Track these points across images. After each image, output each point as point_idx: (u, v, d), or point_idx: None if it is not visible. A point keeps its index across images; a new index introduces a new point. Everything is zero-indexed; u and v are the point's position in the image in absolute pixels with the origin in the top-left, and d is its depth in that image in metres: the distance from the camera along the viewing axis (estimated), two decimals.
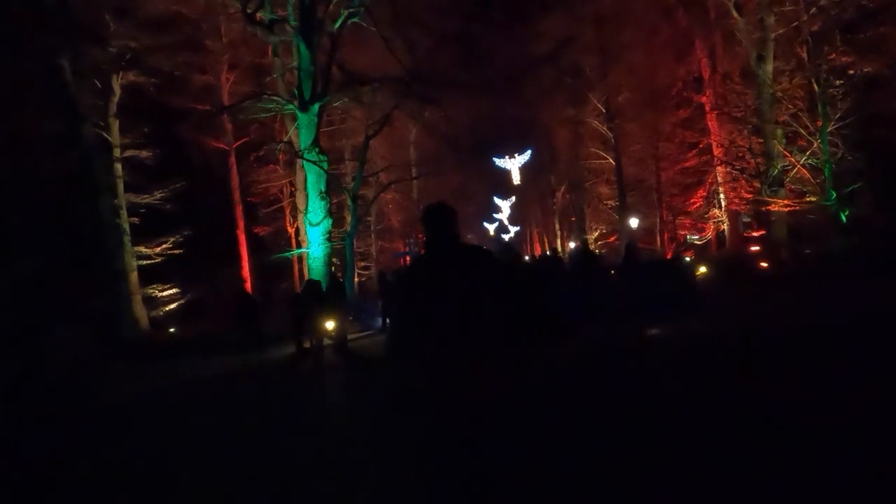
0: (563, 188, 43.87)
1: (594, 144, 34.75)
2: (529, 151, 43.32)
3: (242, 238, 27.27)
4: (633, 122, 31.22)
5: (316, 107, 15.51)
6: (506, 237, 68.77)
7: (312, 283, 12.36)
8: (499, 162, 44.04)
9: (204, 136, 26.06)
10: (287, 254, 17.39)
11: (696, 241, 30.45)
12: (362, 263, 32.75)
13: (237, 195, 27.44)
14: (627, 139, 32.55)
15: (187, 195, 27.09)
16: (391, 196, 33.49)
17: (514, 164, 44.30)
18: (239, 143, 27.40)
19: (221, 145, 26.85)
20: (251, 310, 11.87)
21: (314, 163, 15.21)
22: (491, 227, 69.26)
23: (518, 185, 49.03)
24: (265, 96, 16.49)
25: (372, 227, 33.31)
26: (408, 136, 34.17)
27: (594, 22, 30.88)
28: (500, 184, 53.46)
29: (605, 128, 32.47)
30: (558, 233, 50.19)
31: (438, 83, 16.56)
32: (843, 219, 15.80)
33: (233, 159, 27.36)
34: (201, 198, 28.81)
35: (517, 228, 69.17)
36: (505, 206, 61.58)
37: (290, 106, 15.94)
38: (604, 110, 32.40)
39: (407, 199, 33.70)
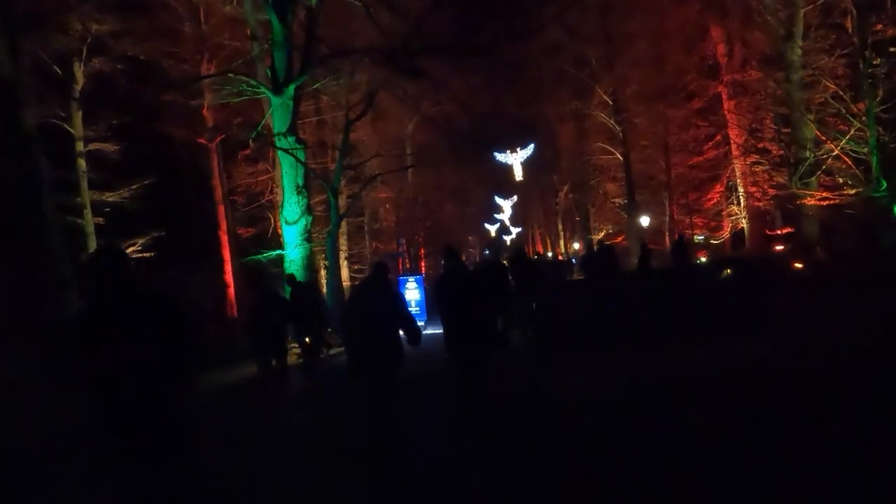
0: (566, 187, 42.10)
1: (600, 140, 32.98)
2: (532, 146, 41.32)
3: (225, 240, 25.38)
4: (643, 116, 29.47)
5: (291, 89, 13.66)
6: (507, 238, 67.08)
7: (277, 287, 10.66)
8: (500, 157, 42.03)
9: (182, 130, 24.23)
10: (260, 256, 15.60)
11: (710, 241, 28.57)
12: (356, 266, 30.91)
13: (219, 193, 25.53)
14: (636, 133, 30.78)
15: (164, 194, 25.36)
16: (386, 195, 31.74)
17: (515, 160, 42.23)
18: (220, 137, 25.55)
19: (202, 140, 24.96)
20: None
21: (288, 152, 13.35)
22: (492, 229, 67.53)
23: (520, 184, 47.14)
24: (230, 76, 14.61)
25: (366, 228, 31.46)
26: (403, 131, 32.35)
27: (600, 10, 29.10)
28: (501, 183, 51.71)
29: (612, 121, 30.61)
30: (561, 234, 48.49)
31: (428, 51, 14.63)
32: None
33: (214, 155, 25.46)
34: (180, 197, 27.05)
35: (519, 229, 67.44)
36: (506, 205, 59.68)
37: (263, 88, 14.08)
38: (611, 103, 30.55)
39: (403, 198, 31.90)
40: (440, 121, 31.74)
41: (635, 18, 27.08)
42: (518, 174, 43.45)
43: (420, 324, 14.67)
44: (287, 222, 13.97)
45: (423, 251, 34.59)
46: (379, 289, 6.00)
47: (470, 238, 59.38)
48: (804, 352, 7.63)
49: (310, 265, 14.44)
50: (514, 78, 34.71)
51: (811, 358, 7.35)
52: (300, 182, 13.95)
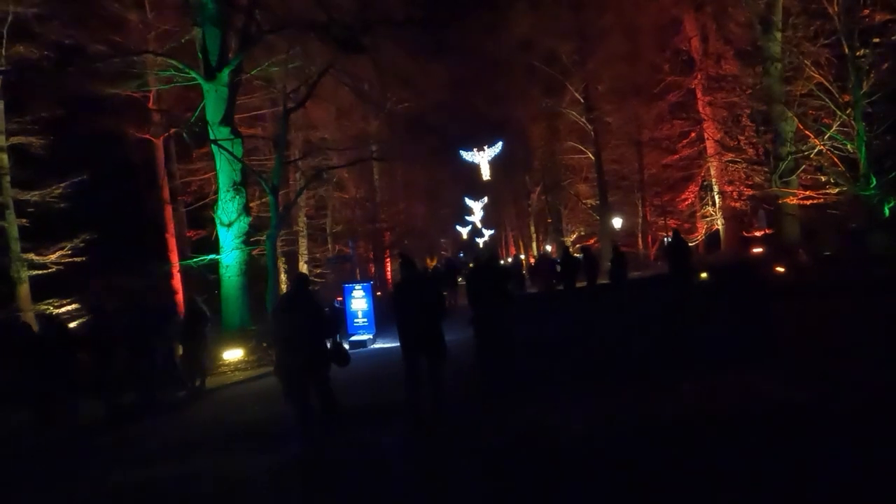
0: (538, 189, 41.09)
1: (572, 139, 32.05)
2: (500, 143, 40.18)
3: (173, 243, 23.71)
4: (615, 114, 28.55)
5: (225, 74, 12.26)
6: (480, 241, 66.09)
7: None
8: (466, 156, 40.70)
9: (129, 125, 22.51)
10: (192, 261, 14.13)
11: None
12: (318, 270, 29.37)
13: (166, 193, 23.86)
14: (608, 132, 29.88)
15: (111, 193, 23.79)
16: (352, 194, 30.35)
17: (483, 158, 41.01)
18: (171, 132, 23.86)
19: (147, 136, 23.28)
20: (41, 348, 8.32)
21: (217, 144, 11.92)
22: (464, 231, 66.49)
23: (492, 185, 46.04)
24: (153, 58, 13.12)
25: (328, 230, 29.98)
26: (369, 129, 30.90)
27: (572, 5, 28.08)
28: (474, 184, 50.59)
29: (583, 119, 29.61)
30: (534, 236, 47.52)
31: (373, 25, 13.27)
32: (887, 212, 12.95)
33: (161, 152, 23.81)
34: (130, 196, 25.35)
35: (492, 231, 66.44)
36: (477, 207, 58.58)
37: (193, 73, 12.63)
38: (582, 100, 29.55)
39: (359, 197, 30.58)
40: (408, 119, 30.44)
41: (608, 13, 26.14)
42: (485, 173, 42.25)
43: (368, 336, 13.31)
44: (222, 223, 12.53)
45: (388, 253, 33.14)
46: (299, 303, 5.96)
47: (442, 241, 58.21)
48: (826, 388, 5.89)
49: (249, 271, 13.00)
50: (484, 75, 33.69)
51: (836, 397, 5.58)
52: (237, 179, 12.54)
